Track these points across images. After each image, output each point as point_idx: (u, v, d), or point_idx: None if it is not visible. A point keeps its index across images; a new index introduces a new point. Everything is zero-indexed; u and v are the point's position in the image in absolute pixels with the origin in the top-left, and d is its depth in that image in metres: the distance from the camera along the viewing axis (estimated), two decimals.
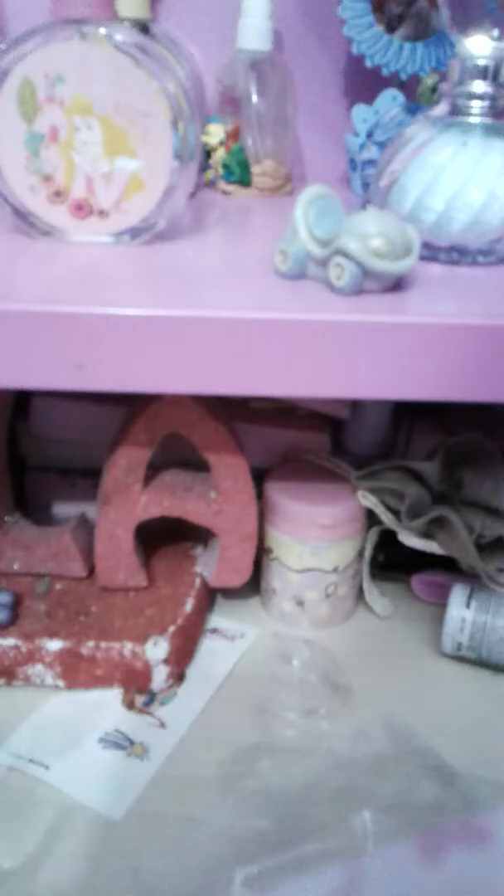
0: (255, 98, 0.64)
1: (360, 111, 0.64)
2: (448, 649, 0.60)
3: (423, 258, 0.47)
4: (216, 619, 0.65)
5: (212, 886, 0.43)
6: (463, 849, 0.21)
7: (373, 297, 0.41)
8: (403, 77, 0.65)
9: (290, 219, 0.43)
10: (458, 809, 0.47)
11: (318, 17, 0.69)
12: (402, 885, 0.21)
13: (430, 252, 0.48)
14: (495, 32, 0.47)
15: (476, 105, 0.47)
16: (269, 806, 0.49)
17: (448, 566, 0.63)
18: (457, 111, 0.47)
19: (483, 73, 0.47)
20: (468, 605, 0.59)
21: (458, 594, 0.60)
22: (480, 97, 0.47)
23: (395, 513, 0.61)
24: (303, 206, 0.43)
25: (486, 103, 0.47)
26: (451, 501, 0.61)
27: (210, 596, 0.66)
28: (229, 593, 0.66)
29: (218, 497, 0.60)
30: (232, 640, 0.63)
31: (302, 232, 0.43)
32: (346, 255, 0.40)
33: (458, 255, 0.48)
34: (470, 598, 0.60)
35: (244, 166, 0.65)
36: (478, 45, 0.47)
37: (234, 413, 0.62)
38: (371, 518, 0.63)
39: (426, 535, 0.61)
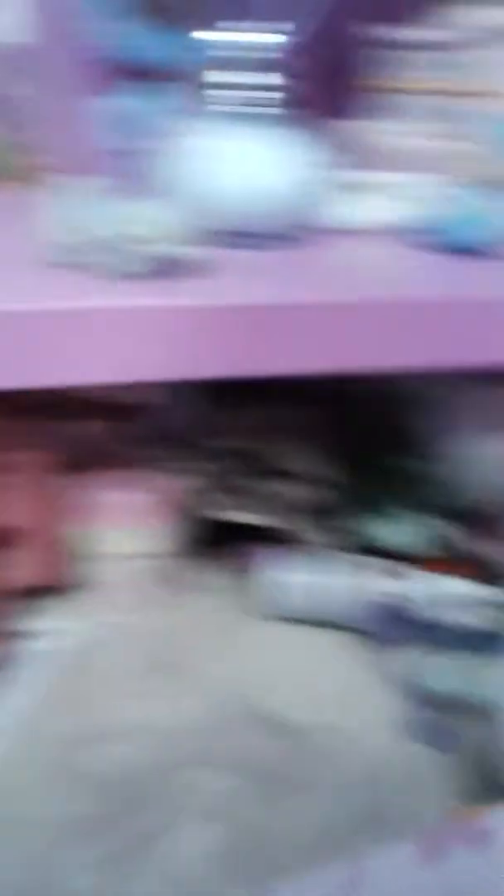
0: (9, 89, 0.61)
1: (119, 102, 0.63)
2: (270, 613, 0.61)
3: (203, 243, 0.47)
4: (33, 618, 0.61)
5: (52, 874, 0.42)
6: (463, 849, 0.21)
7: (147, 282, 0.41)
8: (165, 69, 0.64)
9: (56, 209, 0.41)
10: (298, 756, 0.50)
11: (72, 7, 0.67)
12: (401, 885, 0.21)
13: (210, 237, 0.48)
14: (253, 24, 0.48)
15: (245, 96, 0.47)
16: (104, 789, 0.48)
17: (265, 535, 0.64)
18: (225, 102, 0.48)
19: (248, 65, 0.47)
20: (291, 569, 0.61)
21: (274, 559, 0.62)
22: (250, 88, 0.47)
23: (211, 491, 0.61)
24: (66, 197, 0.42)
25: (256, 94, 0.47)
26: (262, 473, 0.62)
27: (26, 594, 0.63)
28: (46, 590, 0.63)
29: (23, 494, 0.57)
30: (52, 634, 0.60)
31: (68, 222, 0.41)
32: (119, 241, 0.39)
33: (238, 239, 0.48)
34: (293, 562, 0.62)
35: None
36: (235, 37, 0.47)
37: (36, 407, 0.59)
38: (187, 499, 0.62)
39: (242, 508, 0.62)
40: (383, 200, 0.58)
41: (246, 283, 0.43)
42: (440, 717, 0.52)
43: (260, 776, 0.49)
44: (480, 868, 0.22)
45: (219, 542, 0.67)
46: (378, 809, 0.46)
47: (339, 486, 0.62)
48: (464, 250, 0.51)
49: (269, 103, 0.48)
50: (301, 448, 0.62)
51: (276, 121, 0.48)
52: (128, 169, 0.53)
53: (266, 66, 0.48)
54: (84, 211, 0.41)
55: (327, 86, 0.75)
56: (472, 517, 0.68)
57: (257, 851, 0.44)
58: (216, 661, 0.58)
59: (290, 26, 0.48)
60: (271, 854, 0.44)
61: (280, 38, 0.47)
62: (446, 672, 0.56)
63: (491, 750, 0.45)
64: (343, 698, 0.55)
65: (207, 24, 0.47)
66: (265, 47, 0.47)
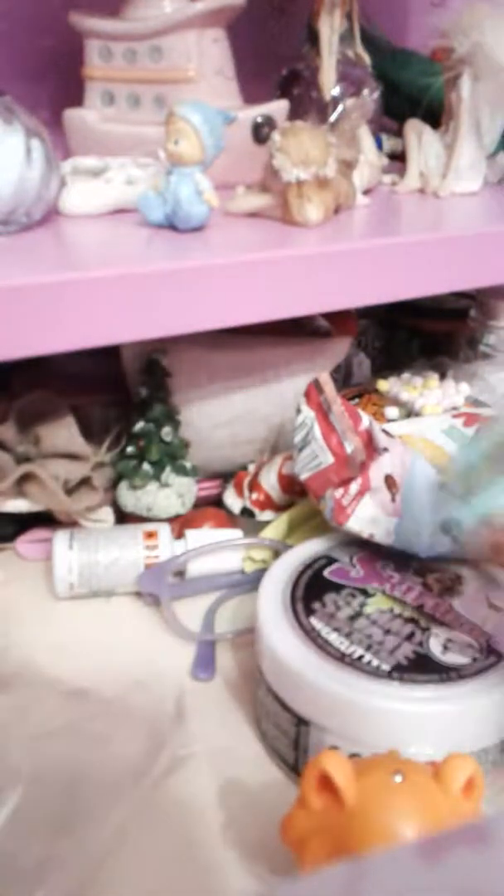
0: None
1: None
2: (63, 593, 0.64)
3: None
4: None
5: None
6: (463, 849, 0.24)
7: None
8: None
9: None
10: (101, 713, 0.53)
11: None
12: (401, 885, 0.23)
13: None
14: None
15: None
16: None
17: (49, 521, 0.66)
18: None
19: None
20: (71, 548, 0.64)
21: (60, 540, 0.64)
22: None
23: None
24: None
25: None
26: (33, 458, 0.63)
27: None
28: None
29: None
30: None
31: None
32: None
33: None
34: (72, 540, 0.64)
35: None
36: None
37: None
38: None
39: (19, 496, 0.63)
40: (105, 184, 0.61)
41: None
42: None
43: (66, 737, 0.52)
44: (481, 868, 0.25)
45: (7, 534, 0.68)
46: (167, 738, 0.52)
47: (98, 462, 0.66)
48: (178, 226, 0.57)
49: None
50: (57, 428, 0.64)
51: None
52: None
53: None
54: None
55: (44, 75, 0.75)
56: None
57: (61, 797, 0.48)
58: (18, 649, 0.60)
59: None
60: (73, 797, 0.48)
61: None
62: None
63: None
64: (135, 656, 0.60)
65: None
66: None
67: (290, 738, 0.48)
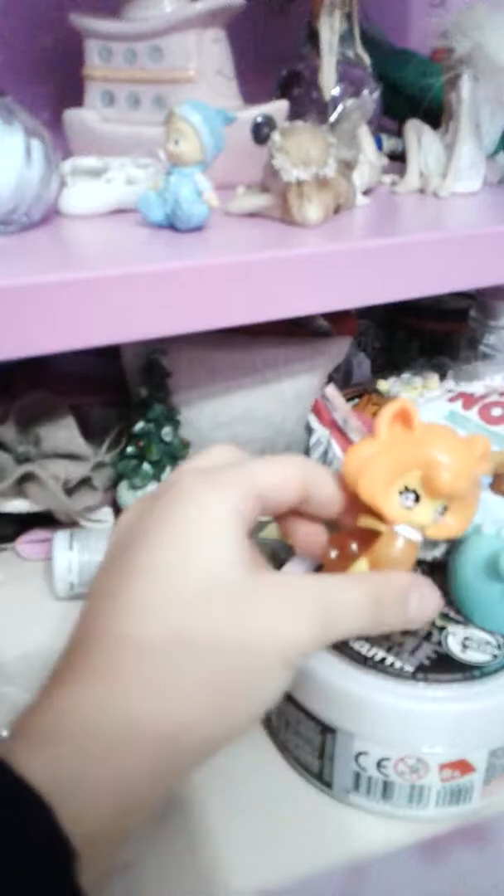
0: None
1: None
2: (62, 593, 0.64)
3: None
4: None
5: None
6: (463, 849, 0.23)
7: None
8: None
9: None
10: None
11: None
12: (402, 885, 0.22)
13: None
14: None
15: None
16: None
17: (49, 521, 0.66)
18: None
19: None
20: (71, 548, 0.64)
21: (60, 540, 0.64)
22: None
23: None
24: None
25: None
26: (33, 458, 0.63)
27: None
28: None
29: None
30: None
31: None
32: None
33: None
34: (72, 540, 0.64)
35: None
36: None
37: None
38: None
39: (19, 496, 0.63)
40: (105, 184, 0.61)
41: None
42: None
43: None
44: (480, 868, 0.24)
45: (7, 534, 0.68)
46: None
47: (98, 462, 0.66)
48: (178, 226, 0.56)
49: None
50: (57, 428, 0.64)
51: None
52: None
53: None
54: None
55: (44, 75, 0.75)
56: None
57: None
58: (17, 645, 0.60)
59: None
60: None
61: None
62: None
63: None
64: None
65: None
66: None
67: (315, 746, 0.48)
